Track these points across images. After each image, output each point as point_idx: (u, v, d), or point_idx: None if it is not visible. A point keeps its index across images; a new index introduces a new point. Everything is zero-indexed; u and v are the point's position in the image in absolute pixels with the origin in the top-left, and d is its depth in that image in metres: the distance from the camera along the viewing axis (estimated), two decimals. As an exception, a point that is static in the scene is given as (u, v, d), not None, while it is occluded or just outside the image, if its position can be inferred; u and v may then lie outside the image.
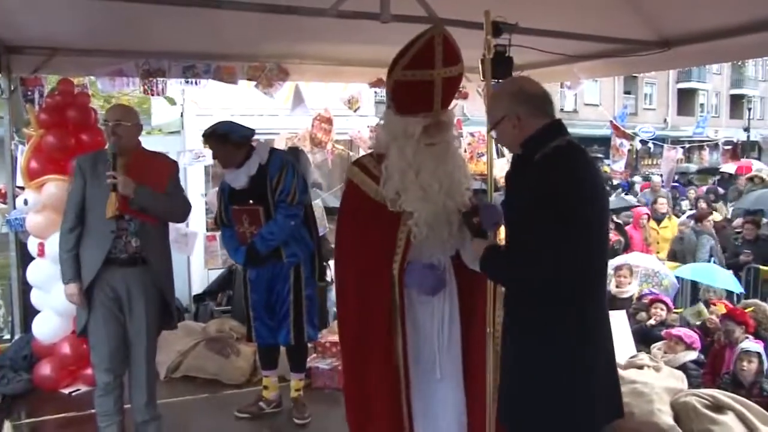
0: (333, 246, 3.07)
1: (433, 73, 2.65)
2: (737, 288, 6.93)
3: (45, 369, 4.75)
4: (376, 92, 6.31)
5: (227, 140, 4.03)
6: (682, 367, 4.86)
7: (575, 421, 2.26)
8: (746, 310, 5.60)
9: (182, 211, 3.83)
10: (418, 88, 2.67)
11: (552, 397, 2.24)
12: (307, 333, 4.25)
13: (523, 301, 2.31)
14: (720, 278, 6.94)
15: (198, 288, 6.75)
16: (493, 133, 2.52)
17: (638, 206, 10.97)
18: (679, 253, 8.26)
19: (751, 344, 4.86)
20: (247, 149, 4.09)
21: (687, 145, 13.96)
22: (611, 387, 2.39)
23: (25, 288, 4.98)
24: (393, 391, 2.80)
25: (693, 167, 18.57)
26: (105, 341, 3.59)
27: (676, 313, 6.32)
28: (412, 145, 2.70)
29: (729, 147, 11.25)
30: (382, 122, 2.92)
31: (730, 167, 13.48)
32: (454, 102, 2.92)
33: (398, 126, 2.75)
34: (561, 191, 2.14)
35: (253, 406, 4.34)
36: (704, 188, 14.78)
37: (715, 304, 5.89)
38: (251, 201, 4.07)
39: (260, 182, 4.06)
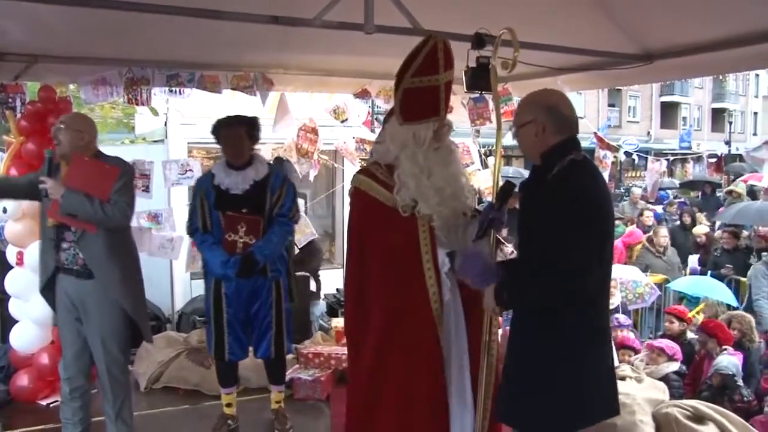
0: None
1: (439, 78, 2.77)
2: (734, 301, 7.02)
3: (22, 380, 4.69)
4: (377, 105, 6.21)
5: (252, 131, 3.98)
6: (664, 378, 4.89)
7: (579, 418, 2.44)
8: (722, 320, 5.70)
9: (119, 217, 3.51)
10: (426, 93, 2.78)
11: (557, 394, 2.40)
12: (287, 346, 4.22)
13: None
14: (719, 292, 7.04)
15: (181, 298, 6.71)
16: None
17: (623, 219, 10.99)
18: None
19: (726, 359, 4.94)
20: (252, 154, 4.05)
21: (671, 158, 14.04)
22: (612, 386, 2.58)
23: (3, 297, 4.92)
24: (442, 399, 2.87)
25: (675, 181, 18.67)
26: (65, 348, 3.65)
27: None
28: (423, 151, 2.81)
29: (714, 160, 11.35)
30: (387, 134, 2.99)
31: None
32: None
33: (407, 134, 2.84)
34: (574, 202, 2.32)
35: (222, 427, 4.24)
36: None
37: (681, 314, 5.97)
38: (245, 210, 3.93)
39: (261, 191, 3.96)
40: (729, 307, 6.86)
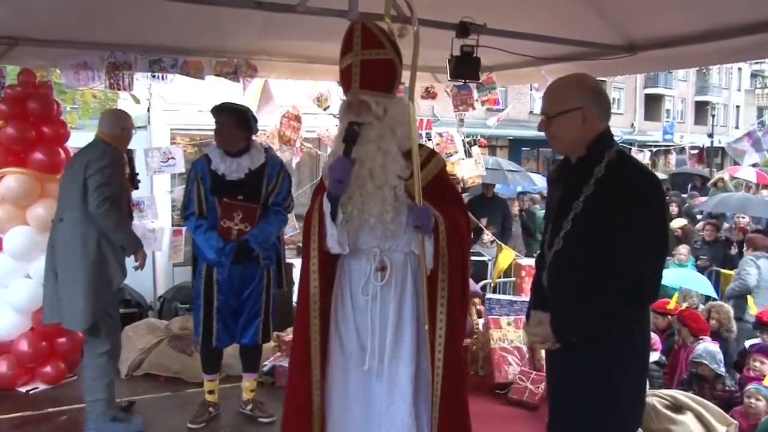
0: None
1: (352, 55, 2.81)
2: (713, 293, 7.10)
3: (1, 367, 4.63)
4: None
5: (244, 120, 3.98)
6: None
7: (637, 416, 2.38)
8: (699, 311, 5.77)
9: None
10: (344, 72, 2.86)
11: (630, 395, 2.30)
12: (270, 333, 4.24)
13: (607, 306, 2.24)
14: (699, 284, 7.10)
15: (163, 285, 6.67)
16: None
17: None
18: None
19: (705, 347, 4.99)
20: (249, 142, 4.04)
21: (654, 149, 14.10)
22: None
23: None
24: (305, 367, 2.86)
25: (661, 176, 18.76)
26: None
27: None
28: (342, 125, 2.85)
29: (695, 152, 11.47)
30: None
31: (749, 173, 13.21)
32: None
33: None
34: (650, 204, 2.17)
35: (203, 414, 4.22)
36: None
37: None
38: (240, 197, 3.94)
39: (257, 179, 3.99)
40: (708, 298, 6.95)
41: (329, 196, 2.72)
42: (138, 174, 4.28)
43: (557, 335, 2.29)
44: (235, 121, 3.96)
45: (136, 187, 4.28)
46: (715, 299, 7.01)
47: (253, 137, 4.13)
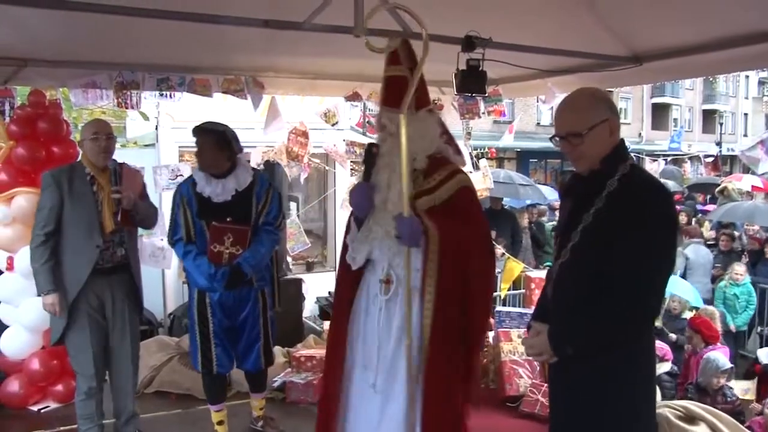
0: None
1: (385, 72, 2.88)
2: (699, 302, 7.03)
3: (13, 386, 4.66)
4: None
5: (223, 140, 3.73)
6: (657, 379, 4.90)
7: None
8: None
9: (156, 216, 4.01)
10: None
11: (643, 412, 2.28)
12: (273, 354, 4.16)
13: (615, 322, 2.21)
14: (687, 292, 7.06)
15: (173, 302, 6.70)
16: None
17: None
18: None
19: (721, 358, 4.95)
20: (233, 162, 3.83)
21: (669, 159, 13.99)
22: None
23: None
24: (332, 389, 2.94)
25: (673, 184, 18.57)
26: (89, 347, 3.72)
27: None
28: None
29: (710, 160, 11.41)
30: None
31: (746, 183, 13.20)
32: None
33: None
34: (662, 217, 2.15)
35: None
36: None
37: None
38: (229, 219, 3.75)
39: (245, 200, 3.80)
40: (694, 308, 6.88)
41: (355, 217, 2.89)
42: (117, 190, 3.65)
43: (553, 346, 2.27)
44: (214, 142, 3.73)
45: (118, 206, 3.64)
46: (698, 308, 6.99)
47: (239, 155, 3.89)
